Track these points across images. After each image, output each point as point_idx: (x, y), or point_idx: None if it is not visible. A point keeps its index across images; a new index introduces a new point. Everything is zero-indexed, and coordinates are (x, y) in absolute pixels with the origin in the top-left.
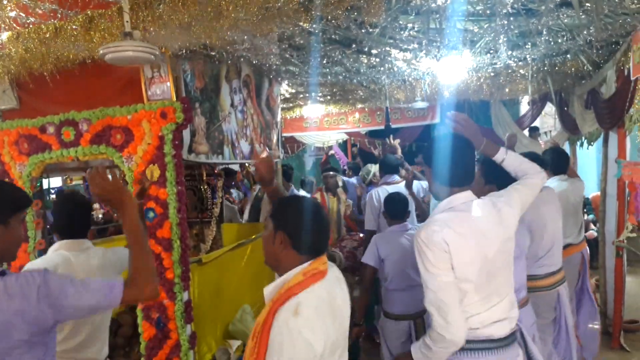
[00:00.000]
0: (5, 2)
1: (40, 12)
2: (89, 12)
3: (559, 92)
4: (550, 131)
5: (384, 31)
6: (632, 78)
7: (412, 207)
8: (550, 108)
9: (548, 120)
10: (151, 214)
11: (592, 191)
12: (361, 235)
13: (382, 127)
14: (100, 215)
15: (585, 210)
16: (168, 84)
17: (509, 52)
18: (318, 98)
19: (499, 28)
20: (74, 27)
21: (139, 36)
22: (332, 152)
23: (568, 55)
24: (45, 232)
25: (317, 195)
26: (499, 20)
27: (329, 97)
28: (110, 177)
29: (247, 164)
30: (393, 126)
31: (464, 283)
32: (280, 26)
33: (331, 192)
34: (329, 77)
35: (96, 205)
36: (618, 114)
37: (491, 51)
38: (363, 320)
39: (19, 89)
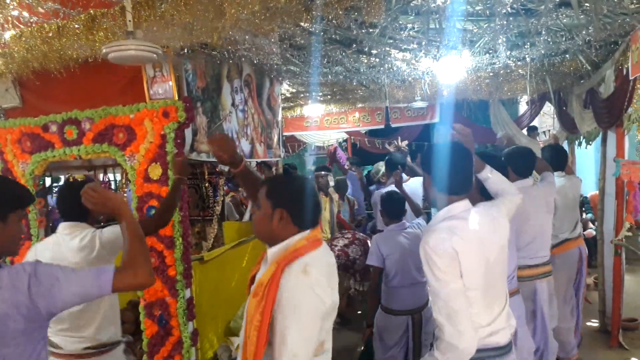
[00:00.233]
0: (8, 1)
1: (42, 11)
2: (91, 11)
3: (558, 91)
4: (549, 130)
5: (384, 31)
6: (631, 77)
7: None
8: (548, 107)
9: (547, 119)
10: (153, 212)
11: (590, 190)
12: (355, 234)
13: (382, 126)
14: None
15: (583, 209)
16: (170, 83)
17: (508, 52)
18: (318, 97)
19: (498, 28)
20: (76, 26)
21: (142, 35)
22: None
23: (567, 55)
24: (49, 230)
25: None
26: (498, 20)
27: (329, 97)
28: (96, 191)
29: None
30: (393, 125)
31: (471, 291)
32: (281, 26)
33: (322, 191)
34: (330, 77)
35: None
36: (616, 113)
37: (490, 51)
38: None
39: (21, 88)
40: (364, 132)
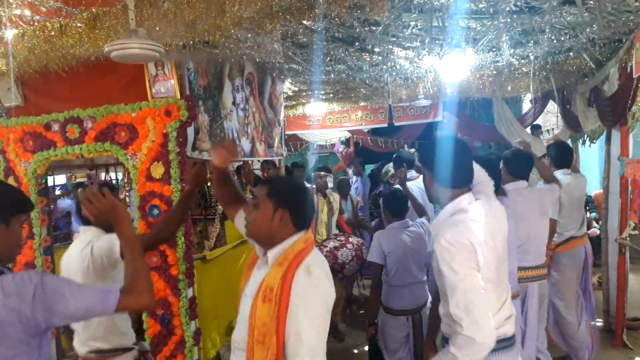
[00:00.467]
0: (10, 0)
1: (45, 10)
2: (93, 9)
3: (562, 89)
4: (553, 129)
5: (386, 29)
6: (635, 75)
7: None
8: (552, 106)
9: (550, 118)
10: (155, 211)
11: (594, 189)
12: (349, 238)
13: (385, 124)
14: None
15: (587, 208)
16: (172, 81)
17: (512, 50)
18: (321, 96)
19: (502, 26)
20: (78, 25)
21: (144, 34)
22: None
23: (571, 53)
24: (51, 229)
25: None
26: (502, 18)
27: (331, 95)
28: (102, 195)
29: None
30: (396, 124)
31: (486, 283)
32: (283, 24)
33: (320, 192)
34: (332, 75)
35: None
36: (621, 112)
37: (494, 49)
38: (375, 320)
39: (24, 87)
40: (366, 130)
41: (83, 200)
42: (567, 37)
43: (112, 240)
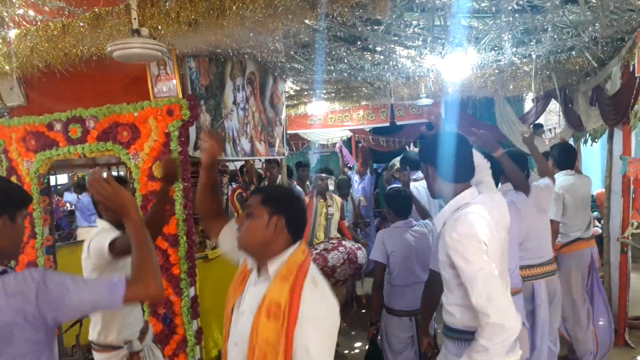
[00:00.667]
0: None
1: (47, 9)
2: (96, 9)
3: (564, 88)
4: (555, 128)
5: (388, 28)
6: (637, 74)
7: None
8: (554, 105)
9: (552, 117)
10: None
11: (596, 188)
12: (342, 241)
13: (387, 124)
14: None
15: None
16: (174, 81)
17: (514, 49)
18: (323, 95)
19: (504, 25)
20: (81, 24)
21: (147, 33)
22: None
23: (573, 52)
24: (53, 229)
25: (307, 198)
26: (504, 17)
27: (333, 94)
28: (108, 182)
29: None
30: (397, 123)
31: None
32: (285, 23)
33: (320, 195)
34: (334, 74)
35: None
36: (623, 111)
37: (496, 48)
38: (377, 320)
39: (26, 86)
40: (368, 130)
41: (89, 186)
42: (570, 35)
43: (102, 242)
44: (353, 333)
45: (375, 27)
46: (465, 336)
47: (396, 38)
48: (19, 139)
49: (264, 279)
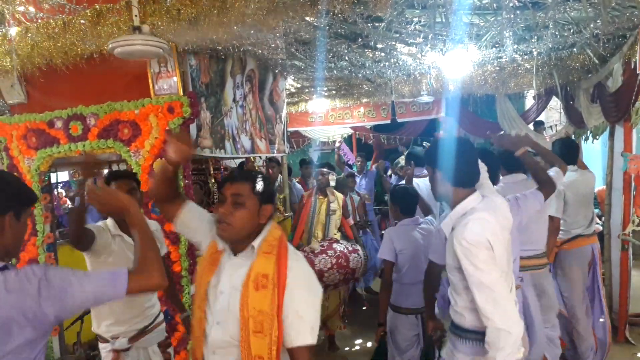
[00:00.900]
0: None
1: (48, 7)
2: (97, 6)
3: (565, 85)
4: (556, 125)
5: (389, 25)
6: (639, 71)
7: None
8: (555, 102)
9: (553, 114)
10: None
11: (597, 185)
12: (333, 244)
13: (387, 121)
14: None
15: None
16: (175, 78)
17: (515, 46)
18: (323, 92)
19: (505, 21)
20: (82, 21)
21: (148, 30)
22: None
23: (574, 49)
24: (54, 226)
25: (306, 195)
26: (505, 14)
27: (334, 92)
28: (102, 190)
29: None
30: (398, 120)
31: (500, 274)
32: (286, 20)
33: (320, 191)
34: (335, 72)
35: None
36: (624, 108)
37: (497, 45)
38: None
39: (27, 84)
40: (369, 127)
41: (89, 200)
42: (571, 32)
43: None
44: (352, 331)
45: (376, 24)
46: (475, 336)
47: (397, 35)
48: (20, 137)
49: (244, 257)
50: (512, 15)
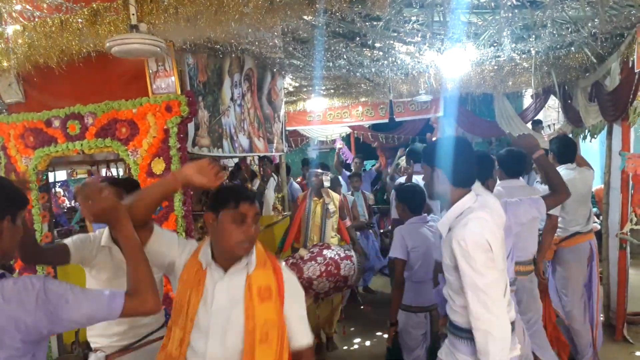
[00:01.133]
0: None
1: (45, 5)
2: (94, 5)
3: (563, 84)
4: (554, 124)
5: (387, 24)
6: (636, 70)
7: None
8: (553, 101)
9: (551, 113)
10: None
11: (595, 184)
12: (323, 250)
13: (385, 120)
14: None
15: None
16: (173, 77)
17: (513, 45)
18: (321, 91)
19: (503, 20)
20: (79, 20)
21: (145, 29)
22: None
23: (572, 48)
24: (52, 226)
25: (301, 196)
26: (503, 13)
27: (332, 91)
28: (103, 193)
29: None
30: (396, 119)
31: (497, 272)
32: (284, 19)
33: (315, 193)
34: (333, 71)
35: None
36: (622, 106)
37: (495, 44)
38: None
39: (24, 83)
40: (367, 126)
41: (82, 195)
42: (569, 31)
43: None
44: (352, 329)
45: (374, 23)
46: (472, 335)
47: (395, 34)
48: (18, 136)
49: (237, 272)
50: (510, 14)
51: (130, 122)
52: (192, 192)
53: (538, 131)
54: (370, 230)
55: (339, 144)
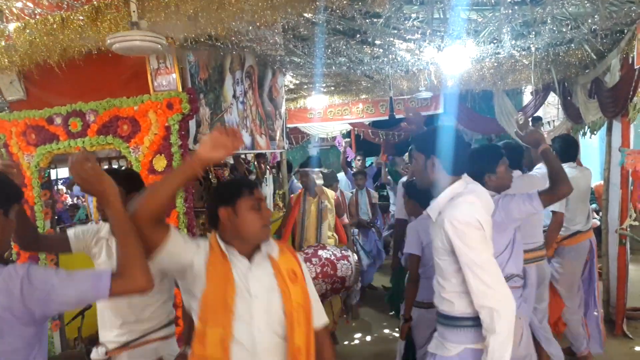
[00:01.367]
0: None
1: (46, 3)
2: (95, 2)
3: (563, 81)
4: (554, 121)
5: (388, 21)
6: (636, 66)
7: None
8: (553, 98)
9: (551, 110)
10: None
11: (594, 180)
12: (318, 251)
13: (386, 117)
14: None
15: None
16: (174, 75)
17: (513, 42)
18: (322, 89)
19: (503, 17)
20: (80, 17)
21: (146, 26)
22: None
23: (572, 44)
24: (54, 222)
25: (295, 196)
26: (503, 9)
27: (332, 88)
28: (89, 164)
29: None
30: (397, 116)
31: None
32: (284, 17)
33: (309, 192)
34: (333, 68)
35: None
36: (622, 103)
37: (495, 41)
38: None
39: (26, 80)
40: (367, 123)
41: (70, 167)
42: (569, 28)
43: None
44: (353, 325)
45: (375, 20)
46: (466, 322)
47: (395, 31)
48: (20, 133)
49: (261, 259)
50: (510, 11)
51: (132, 119)
52: (193, 190)
53: (538, 128)
54: (373, 228)
55: (343, 143)
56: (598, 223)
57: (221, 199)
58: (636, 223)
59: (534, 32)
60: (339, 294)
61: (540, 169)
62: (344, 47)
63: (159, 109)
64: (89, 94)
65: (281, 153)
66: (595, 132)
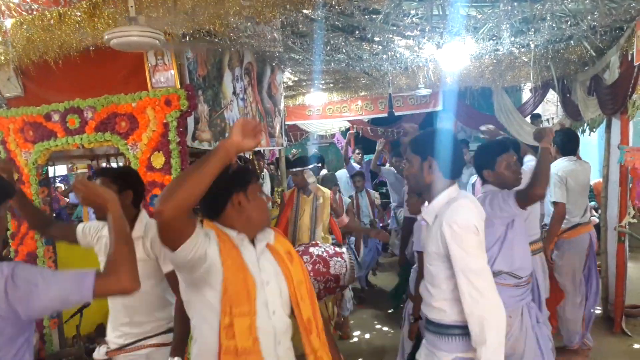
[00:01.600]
0: None
1: None
2: None
3: (562, 78)
4: (553, 118)
5: (387, 18)
6: (636, 64)
7: None
8: (552, 95)
9: (550, 107)
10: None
11: (594, 178)
12: (309, 248)
13: (385, 114)
14: None
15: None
16: (172, 71)
17: (512, 39)
18: (321, 86)
19: (502, 14)
20: (78, 13)
21: (144, 21)
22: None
23: (571, 41)
24: (53, 220)
25: (288, 193)
26: (503, 6)
27: (331, 85)
28: (90, 184)
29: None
30: (396, 114)
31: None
32: (283, 13)
33: (302, 190)
34: (332, 65)
35: None
36: (621, 100)
37: (494, 37)
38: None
39: (23, 77)
40: (366, 120)
41: (75, 191)
42: (568, 24)
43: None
44: (352, 322)
45: (374, 17)
46: (458, 331)
47: (394, 28)
48: (17, 130)
49: (259, 243)
50: (510, 8)
51: (130, 116)
52: None
53: (537, 125)
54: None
55: (343, 143)
56: (597, 220)
57: (237, 184)
58: (635, 220)
59: (533, 29)
60: (333, 294)
61: (531, 161)
62: (342, 43)
63: (157, 106)
64: (87, 91)
65: (280, 150)
66: (594, 130)
